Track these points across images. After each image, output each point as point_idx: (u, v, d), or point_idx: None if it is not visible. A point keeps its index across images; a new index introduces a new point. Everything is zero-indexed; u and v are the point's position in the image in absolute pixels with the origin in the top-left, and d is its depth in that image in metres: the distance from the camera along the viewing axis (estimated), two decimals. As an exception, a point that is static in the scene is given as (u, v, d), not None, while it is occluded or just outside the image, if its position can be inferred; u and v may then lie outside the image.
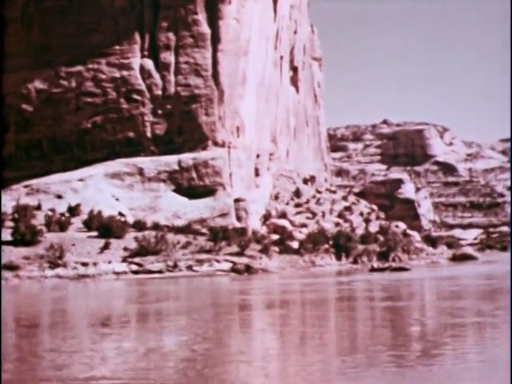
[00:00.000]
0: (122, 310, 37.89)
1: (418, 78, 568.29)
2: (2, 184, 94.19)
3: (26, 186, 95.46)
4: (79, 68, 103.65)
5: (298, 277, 68.94)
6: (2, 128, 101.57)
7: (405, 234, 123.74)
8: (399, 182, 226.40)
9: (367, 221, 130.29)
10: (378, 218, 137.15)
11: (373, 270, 77.65)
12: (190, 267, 72.50)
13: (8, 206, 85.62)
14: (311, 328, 28.29)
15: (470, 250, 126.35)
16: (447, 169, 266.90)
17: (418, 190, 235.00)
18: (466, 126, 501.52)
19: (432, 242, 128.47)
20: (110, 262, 69.87)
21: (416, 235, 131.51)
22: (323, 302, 39.91)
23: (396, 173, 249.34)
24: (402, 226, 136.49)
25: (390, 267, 78.64)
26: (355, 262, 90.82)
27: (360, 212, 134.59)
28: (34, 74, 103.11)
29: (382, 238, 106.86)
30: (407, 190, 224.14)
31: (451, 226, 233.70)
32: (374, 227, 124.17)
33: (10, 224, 76.27)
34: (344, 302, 39.60)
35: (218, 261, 74.89)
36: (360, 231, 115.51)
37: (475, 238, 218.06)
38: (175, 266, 71.90)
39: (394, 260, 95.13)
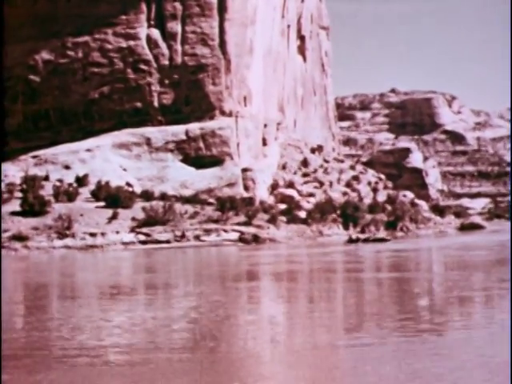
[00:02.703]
0: (130, 280, 38.12)
1: (427, 45, 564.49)
2: (10, 155, 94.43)
3: (33, 157, 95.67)
4: (86, 38, 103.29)
5: (306, 246, 69.16)
6: (3, 98, 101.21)
7: (412, 204, 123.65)
8: (407, 151, 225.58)
9: (375, 190, 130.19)
10: (385, 187, 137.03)
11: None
12: (197, 237, 72.74)
13: (16, 177, 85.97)
14: (317, 299, 28.44)
15: (477, 220, 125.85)
16: (455, 138, 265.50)
17: (425, 159, 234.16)
18: (474, 95, 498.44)
19: (440, 211, 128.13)
20: (118, 233, 70.18)
21: (424, 204, 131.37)
22: (330, 272, 40.06)
23: (404, 142, 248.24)
24: (410, 195, 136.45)
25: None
26: (363, 231, 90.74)
27: (368, 181, 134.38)
28: (40, 45, 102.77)
29: (389, 208, 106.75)
30: (415, 159, 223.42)
31: (459, 196, 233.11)
32: (381, 197, 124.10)
33: (19, 195, 76.63)
34: (352, 272, 39.74)
35: (225, 230, 75.09)
36: (368, 201, 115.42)
37: (483, 208, 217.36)
38: (183, 235, 72.14)
39: (401, 230, 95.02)
